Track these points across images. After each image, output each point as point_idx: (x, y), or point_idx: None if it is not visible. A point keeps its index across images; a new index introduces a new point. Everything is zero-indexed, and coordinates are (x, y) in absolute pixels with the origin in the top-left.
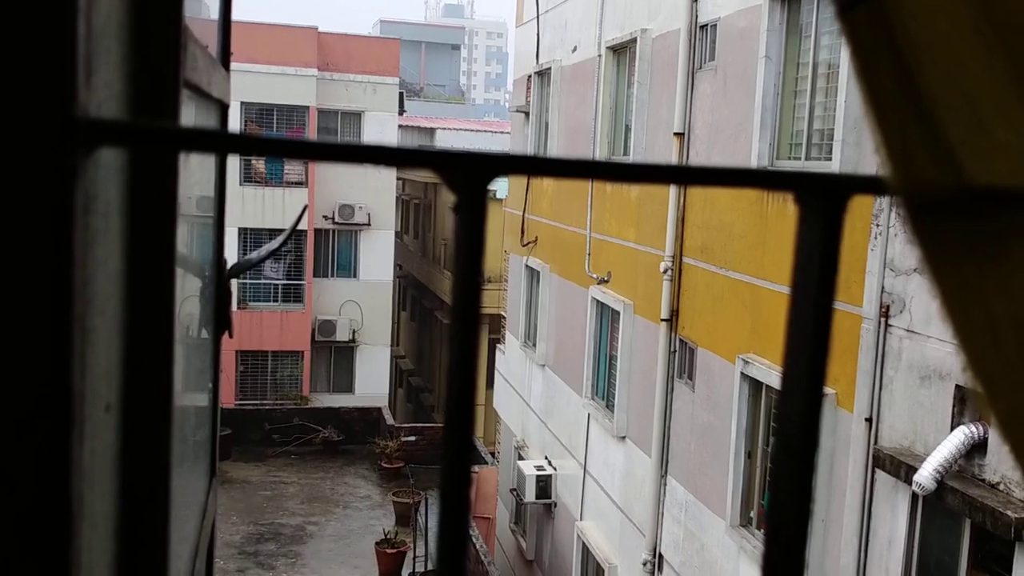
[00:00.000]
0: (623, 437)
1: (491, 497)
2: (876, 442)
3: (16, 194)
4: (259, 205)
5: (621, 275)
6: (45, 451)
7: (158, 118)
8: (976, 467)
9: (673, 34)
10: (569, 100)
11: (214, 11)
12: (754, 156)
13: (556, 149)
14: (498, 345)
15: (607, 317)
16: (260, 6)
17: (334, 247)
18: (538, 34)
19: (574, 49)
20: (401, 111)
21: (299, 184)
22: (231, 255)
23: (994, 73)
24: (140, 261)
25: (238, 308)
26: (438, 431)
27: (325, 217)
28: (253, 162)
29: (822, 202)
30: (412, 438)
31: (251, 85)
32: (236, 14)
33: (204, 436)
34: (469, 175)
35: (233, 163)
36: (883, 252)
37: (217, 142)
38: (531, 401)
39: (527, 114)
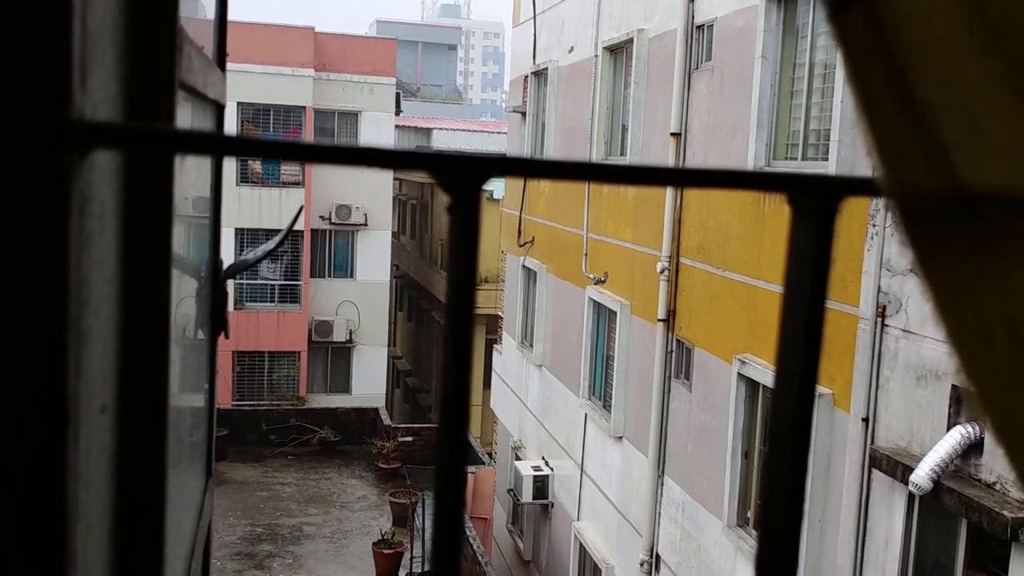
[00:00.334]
0: (620, 437)
1: (488, 497)
2: (872, 442)
3: (11, 196)
4: (255, 205)
5: (618, 275)
6: (40, 452)
7: (154, 120)
8: (972, 467)
9: (670, 34)
10: (566, 100)
11: (210, 11)
12: (750, 156)
13: (553, 149)
14: (495, 345)
15: (604, 317)
16: (256, 6)
17: (331, 247)
18: (535, 34)
19: (571, 49)
20: (398, 111)
21: (296, 184)
22: (227, 255)
23: (988, 75)
24: (135, 262)
25: (235, 309)
26: (435, 431)
27: (322, 217)
28: (250, 162)
29: (815, 204)
30: (409, 438)
31: (247, 85)
32: (232, 14)
33: (200, 437)
34: (462, 177)
35: (229, 163)
36: (879, 252)
37: (213, 145)
38: (528, 401)
39: (524, 114)
